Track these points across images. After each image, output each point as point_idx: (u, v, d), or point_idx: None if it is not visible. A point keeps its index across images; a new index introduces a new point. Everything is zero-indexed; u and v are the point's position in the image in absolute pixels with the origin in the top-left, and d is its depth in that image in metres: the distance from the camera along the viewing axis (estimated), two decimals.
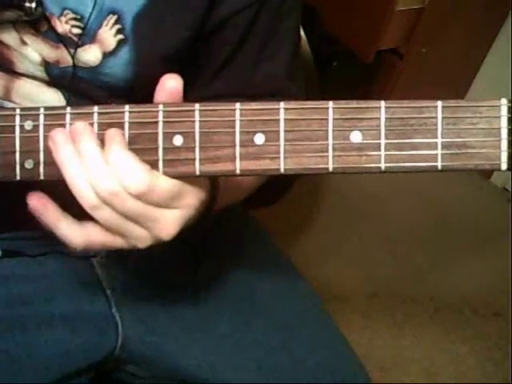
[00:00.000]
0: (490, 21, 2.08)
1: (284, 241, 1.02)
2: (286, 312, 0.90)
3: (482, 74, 2.22)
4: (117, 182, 0.52)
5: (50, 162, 0.53)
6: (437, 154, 0.49)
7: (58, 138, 0.53)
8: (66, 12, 0.67)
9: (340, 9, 1.98)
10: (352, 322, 1.71)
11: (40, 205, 0.55)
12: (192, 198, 0.55)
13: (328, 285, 1.78)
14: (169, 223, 0.55)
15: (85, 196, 0.53)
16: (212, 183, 0.64)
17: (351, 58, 2.01)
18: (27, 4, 0.62)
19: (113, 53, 0.69)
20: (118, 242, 0.57)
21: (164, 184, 0.53)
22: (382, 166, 0.50)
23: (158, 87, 0.54)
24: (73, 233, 0.56)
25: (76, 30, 0.68)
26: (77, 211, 0.57)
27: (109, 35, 0.68)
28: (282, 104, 0.50)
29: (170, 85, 0.53)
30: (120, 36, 0.69)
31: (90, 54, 0.69)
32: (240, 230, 0.96)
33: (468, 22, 2.01)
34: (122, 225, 0.55)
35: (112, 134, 0.53)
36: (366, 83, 2.10)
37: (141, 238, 0.56)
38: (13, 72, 0.70)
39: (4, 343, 0.76)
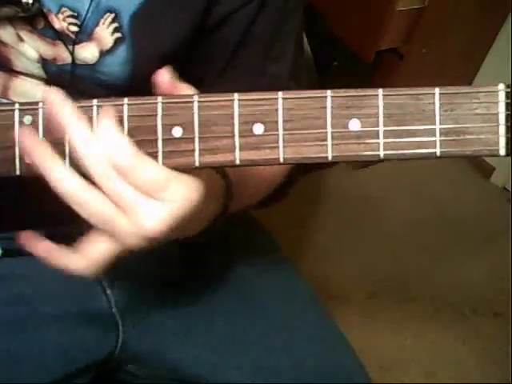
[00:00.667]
0: (490, 21, 2.08)
1: (284, 241, 1.02)
2: (285, 312, 0.90)
3: (482, 74, 2.22)
4: (104, 155, 0.50)
5: None
6: (435, 141, 0.49)
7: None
8: (63, 9, 0.67)
9: (340, 9, 1.98)
10: (352, 321, 1.71)
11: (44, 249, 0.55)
12: (182, 194, 0.52)
13: (328, 285, 1.78)
14: (153, 214, 0.51)
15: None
16: (226, 191, 0.63)
17: (351, 58, 2.01)
18: (24, 0, 0.62)
19: (110, 51, 0.69)
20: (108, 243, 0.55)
21: (151, 166, 0.51)
22: (381, 153, 0.50)
23: (154, 85, 0.53)
24: (74, 261, 0.56)
25: (73, 28, 0.68)
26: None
27: (106, 33, 0.68)
28: (280, 94, 0.50)
29: (162, 78, 0.53)
30: (117, 34, 0.68)
31: (87, 52, 0.69)
32: (240, 229, 0.96)
33: (468, 22, 2.01)
34: (103, 208, 0.52)
35: (104, 112, 0.51)
36: (366, 83, 2.09)
37: (124, 229, 0.53)
38: (10, 70, 0.70)
39: (4, 343, 0.76)
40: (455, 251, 1.97)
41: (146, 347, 0.84)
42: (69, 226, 0.87)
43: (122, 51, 0.69)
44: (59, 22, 0.67)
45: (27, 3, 0.62)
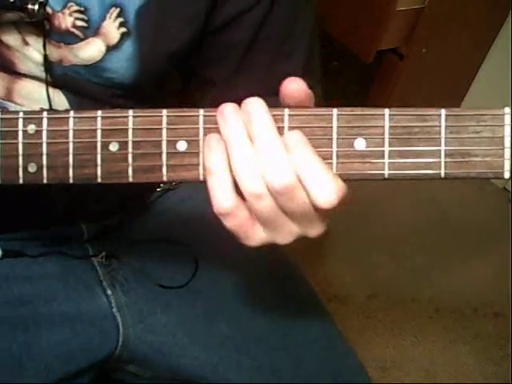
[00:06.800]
0: (489, 21, 2.08)
1: None
2: (286, 312, 0.90)
3: (482, 75, 2.22)
4: (295, 175, 0.49)
5: (54, 166, 0.53)
6: (440, 162, 0.49)
7: (229, 113, 0.50)
8: (69, 4, 0.66)
9: (340, 9, 1.97)
10: (352, 321, 1.71)
11: (214, 141, 0.51)
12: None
13: (328, 285, 1.78)
14: (323, 221, 0.52)
15: (251, 183, 0.49)
16: None
17: (351, 58, 2.00)
18: (30, 6, 0.62)
19: (116, 46, 0.69)
20: (258, 232, 0.53)
21: (341, 181, 0.50)
22: (386, 173, 0.50)
23: (282, 93, 0.51)
24: (224, 193, 0.51)
25: (80, 23, 0.67)
26: None
27: (112, 28, 0.68)
28: (286, 111, 0.50)
29: (291, 87, 0.50)
30: (123, 29, 0.68)
31: (94, 48, 0.69)
32: None
33: (468, 22, 2.01)
34: (277, 218, 0.51)
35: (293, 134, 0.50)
36: (366, 83, 2.09)
37: (288, 233, 0.53)
38: (14, 73, 0.70)
39: (5, 343, 0.76)
40: (455, 251, 1.97)
41: (146, 347, 0.84)
42: (69, 226, 0.88)
43: (128, 46, 0.69)
44: (65, 20, 0.67)
45: (33, 9, 0.62)
